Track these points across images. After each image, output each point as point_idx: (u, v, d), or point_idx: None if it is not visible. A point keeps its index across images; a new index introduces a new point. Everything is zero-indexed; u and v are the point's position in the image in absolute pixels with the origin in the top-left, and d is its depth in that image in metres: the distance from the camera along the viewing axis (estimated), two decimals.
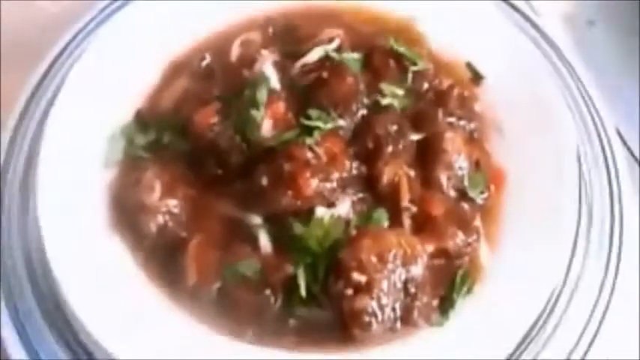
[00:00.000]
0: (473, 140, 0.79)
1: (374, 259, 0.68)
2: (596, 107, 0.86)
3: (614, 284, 0.76)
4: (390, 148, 0.75)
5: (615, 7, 1.01)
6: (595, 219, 0.80)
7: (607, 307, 0.75)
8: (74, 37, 0.90)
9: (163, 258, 0.74)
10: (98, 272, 0.73)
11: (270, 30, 0.86)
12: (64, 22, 0.92)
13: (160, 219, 0.75)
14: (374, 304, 0.67)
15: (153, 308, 0.72)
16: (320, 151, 0.73)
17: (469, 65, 0.84)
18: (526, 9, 0.92)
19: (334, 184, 0.73)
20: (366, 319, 0.67)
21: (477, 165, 0.78)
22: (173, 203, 0.75)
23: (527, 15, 0.91)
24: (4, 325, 0.74)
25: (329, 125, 0.75)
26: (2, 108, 0.88)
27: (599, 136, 0.84)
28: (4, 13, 1.00)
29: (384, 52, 0.82)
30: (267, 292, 0.71)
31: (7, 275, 0.77)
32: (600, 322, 0.74)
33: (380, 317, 0.68)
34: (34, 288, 0.76)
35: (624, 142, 0.88)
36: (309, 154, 0.73)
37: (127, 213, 0.76)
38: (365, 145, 0.76)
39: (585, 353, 0.73)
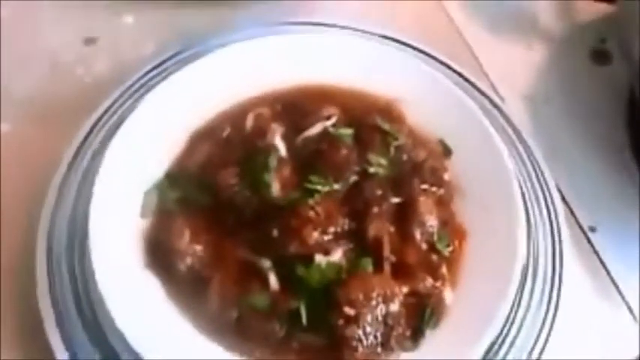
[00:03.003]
0: (441, 203, 0.95)
1: (361, 296, 0.85)
2: (545, 179, 1.03)
3: (553, 320, 0.93)
4: (375, 209, 0.91)
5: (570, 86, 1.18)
6: (539, 271, 0.96)
7: (547, 339, 0.92)
8: (110, 107, 1.06)
9: (190, 291, 0.90)
10: (136, 301, 0.88)
11: (278, 106, 1.03)
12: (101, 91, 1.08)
13: (189, 260, 0.90)
14: (360, 332, 0.84)
15: (180, 331, 0.88)
16: (319, 209, 0.90)
17: (441, 141, 1.00)
18: (491, 93, 1.09)
19: (330, 237, 0.89)
20: (354, 343, 0.84)
21: (444, 224, 0.94)
22: (199, 248, 0.91)
23: (492, 99, 1.08)
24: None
25: (327, 188, 0.92)
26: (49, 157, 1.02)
27: (546, 204, 1.01)
28: (44, 81, 1.15)
29: (371, 128, 0.98)
30: (274, 321, 0.87)
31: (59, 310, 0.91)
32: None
33: (365, 343, 0.84)
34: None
35: (570, 210, 1.05)
36: (311, 212, 0.89)
37: (160, 254, 0.92)
38: (355, 206, 0.92)
39: None
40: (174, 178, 0.98)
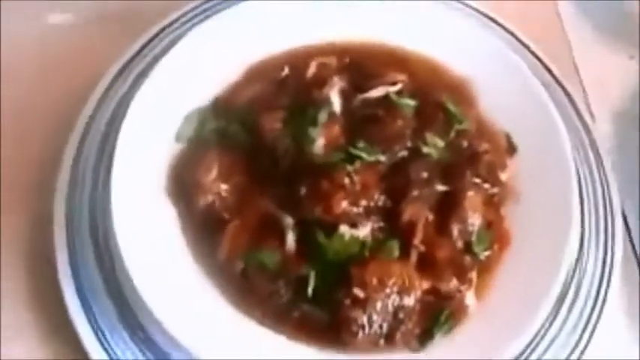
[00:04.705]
0: (491, 203, 0.87)
1: (375, 281, 0.78)
2: (612, 203, 0.93)
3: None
4: (415, 192, 0.84)
5: None
6: (581, 296, 0.88)
7: None
8: (172, 23, 1.00)
9: (204, 231, 0.85)
10: (149, 230, 0.84)
11: (346, 59, 0.95)
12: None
13: (210, 198, 0.85)
14: (364, 318, 0.78)
15: (186, 272, 0.83)
16: (356, 179, 0.83)
17: (507, 136, 0.92)
18: (578, 100, 1.00)
19: (360, 210, 0.82)
20: (354, 328, 0.78)
21: (488, 225, 0.86)
22: (224, 187, 0.86)
23: (577, 107, 0.99)
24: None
25: (371, 158, 0.85)
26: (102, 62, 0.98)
27: (605, 228, 0.92)
28: None
29: (436, 105, 0.90)
30: (281, 283, 0.81)
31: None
32: None
33: (366, 330, 0.78)
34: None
35: (630, 238, 0.95)
36: (346, 179, 0.82)
37: (183, 185, 0.87)
38: (396, 183, 0.85)
39: None
40: (220, 106, 0.92)
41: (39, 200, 0.91)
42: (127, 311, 0.84)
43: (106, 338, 0.82)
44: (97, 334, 0.82)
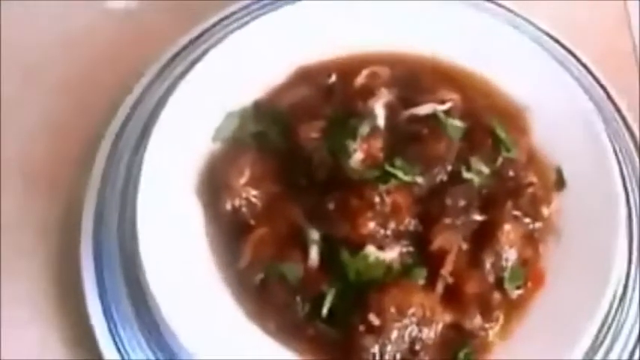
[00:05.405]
0: (530, 239, 0.82)
1: (393, 309, 0.75)
2: None
3: None
4: (448, 220, 0.80)
5: None
6: (619, 342, 0.82)
7: None
8: (227, 17, 0.98)
9: (228, 236, 0.83)
10: (173, 230, 0.82)
11: (399, 70, 0.91)
12: None
13: (237, 202, 0.83)
14: (377, 347, 0.74)
15: (205, 276, 0.81)
16: (388, 200, 0.79)
17: (558, 170, 0.86)
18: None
19: (388, 233, 0.79)
20: (365, 356, 0.74)
21: (524, 262, 0.81)
22: (254, 193, 0.83)
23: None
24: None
25: (407, 178, 0.81)
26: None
27: None
28: None
29: (485, 129, 0.86)
30: (299, 298, 0.78)
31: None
32: None
33: None
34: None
35: None
36: (377, 199, 0.79)
37: (212, 185, 0.84)
38: (430, 208, 0.81)
39: None
40: (261, 109, 0.90)
41: (73, 191, 0.90)
42: (145, 312, 0.82)
43: (121, 340, 0.81)
44: (112, 333, 0.81)
